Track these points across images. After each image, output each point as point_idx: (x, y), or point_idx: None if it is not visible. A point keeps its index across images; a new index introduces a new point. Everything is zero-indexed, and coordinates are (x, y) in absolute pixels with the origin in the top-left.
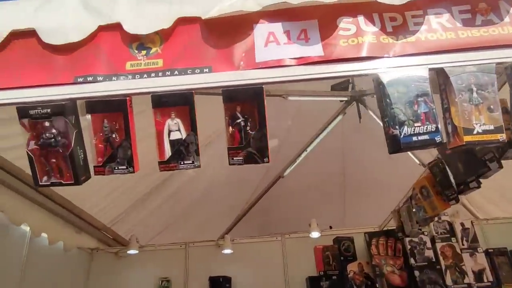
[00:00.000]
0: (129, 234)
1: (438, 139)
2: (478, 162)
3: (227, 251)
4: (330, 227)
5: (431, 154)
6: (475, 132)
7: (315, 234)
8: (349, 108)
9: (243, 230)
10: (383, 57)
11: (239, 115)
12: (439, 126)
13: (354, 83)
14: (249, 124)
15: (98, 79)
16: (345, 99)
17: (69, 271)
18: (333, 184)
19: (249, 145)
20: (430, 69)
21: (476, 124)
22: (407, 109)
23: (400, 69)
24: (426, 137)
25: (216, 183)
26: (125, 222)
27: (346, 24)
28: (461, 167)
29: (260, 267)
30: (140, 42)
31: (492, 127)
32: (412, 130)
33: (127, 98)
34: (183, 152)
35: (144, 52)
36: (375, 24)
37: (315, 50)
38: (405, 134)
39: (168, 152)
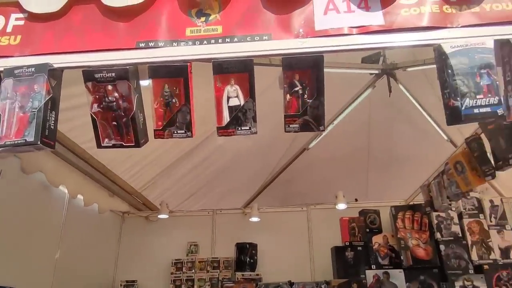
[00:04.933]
0: (158, 199)
1: (500, 111)
2: None
3: (255, 219)
4: (356, 200)
5: (459, 132)
6: None
7: (341, 206)
8: (378, 81)
9: (266, 200)
10: (445, 27)
11: (297, 83)
12: (502, 99)
13: (386, 56)
14: (306, 92)
15: (159, 45)
16: (376, 72)
17: (103, 232)
18: (358, 157)
19: (306, 113)
20: (494, 41)
21: None
22: (469, 80)
23: (463, 40)
24: (488, 109)
25: (241, 153)
26: (154, 188)
27: None
28: (503, 143)
29: (285, 235)
30: (199, 8)
31: None
32: (474, 102)
33: (188, 64)
34: (240, 118)
35: (203, 18)
36: None
37: (376, 18)
38: (466, 106)
39: (226, 118)
